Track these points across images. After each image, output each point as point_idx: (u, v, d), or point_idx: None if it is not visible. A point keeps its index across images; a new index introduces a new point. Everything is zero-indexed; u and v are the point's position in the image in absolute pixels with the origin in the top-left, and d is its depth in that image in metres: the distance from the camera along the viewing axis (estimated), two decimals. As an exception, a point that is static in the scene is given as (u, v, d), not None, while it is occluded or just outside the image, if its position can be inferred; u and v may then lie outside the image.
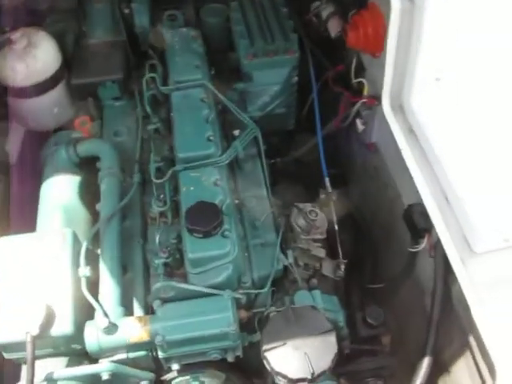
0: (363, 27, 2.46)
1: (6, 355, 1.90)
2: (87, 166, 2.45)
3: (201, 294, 1.95)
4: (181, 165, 2.21)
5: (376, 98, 2.55)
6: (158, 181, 2.23)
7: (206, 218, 1.97)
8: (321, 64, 2.98)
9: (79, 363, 1.95)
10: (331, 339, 1.86)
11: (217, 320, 1.89)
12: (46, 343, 1.86)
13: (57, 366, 1.92)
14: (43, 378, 1.84)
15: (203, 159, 2.22)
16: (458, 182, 2.10)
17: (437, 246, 2.18)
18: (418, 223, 2.25)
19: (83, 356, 1.95)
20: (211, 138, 2.27)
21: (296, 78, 2.74)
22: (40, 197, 2.31)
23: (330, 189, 2.48)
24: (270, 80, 2.69)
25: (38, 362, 1.89)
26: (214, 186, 2.13)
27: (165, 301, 1.95)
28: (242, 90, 2.70)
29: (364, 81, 2.64)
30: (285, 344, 1.82)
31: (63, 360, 1.95)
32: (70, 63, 2.62)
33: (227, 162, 2.27)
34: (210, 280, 1.98)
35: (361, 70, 2.73)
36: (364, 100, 2.60)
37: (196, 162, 2.21)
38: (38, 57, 2.40)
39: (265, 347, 1.84)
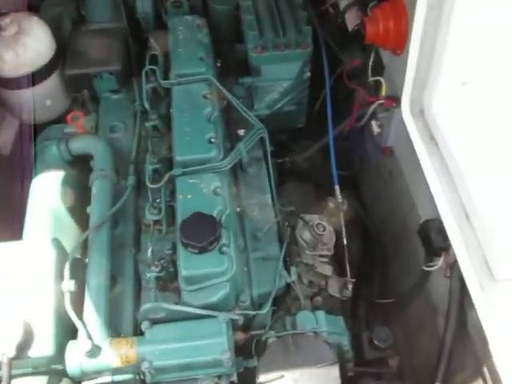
0: (384, 21, 2.25)
1: (-17, 374, 1.76)
2: (81, 164, 2.28)
3: (195, 315, 1.79)
4: (179, 169, 2.03)
5: (394, 100, 2.35)
6: (153, 186, 2.06)
7: (202, 232, 1.80)
8: (335, 57, 2.78)
9: (59, 381, 1.81)
10: (334, 373, 1.69)
11: (210, 346, 1.73)
12: (24, 363, 1.71)
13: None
14: (21, 401, 1.70)
15: (203, 163, 2.04)
16: (482, 198, 1.91)
17: (453, 267, 2.00)
18: (434, 241, 2.07)
19: (64, 374, 1.80)
20: (212, 139, 2.08)
21: (308, 74, 2.55)
22: (29, 198, 2.15)
23: (339, 198, 2.28)
24: (279, 75, 2.50)
25: (16, 382, 1.77)
26: (214, 194, 1.95)
27: (155, 322, 1.79)
28: (249, 85, 2.51)
29: (382, 80, 2.43)
30: (282, 376, 1.66)
31: (43, 379, 1.80)
32: (65, 52, 2.42)
33: (229, 166, 2.09)
34: (204, 299, 1.81)
35: (379, 68, 2.53)
36: (381, 101, 2.40)
37: (195, 166, 2.04)
38: (28, 45, 2.23)
39: (261, 379, 1.68)
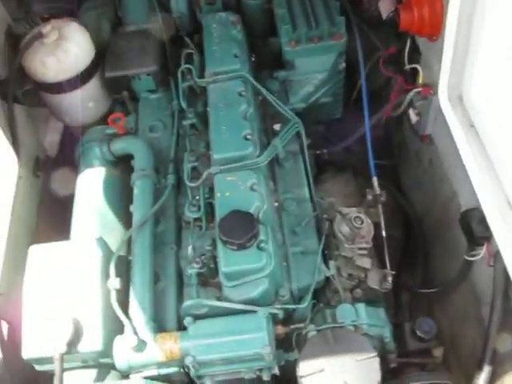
0: (418, 8, 2.21)
1: (38, 367, 1.86)
2: (124, 164, 2.35)
3: (235, 310, 1.83)
4: (216, 167, 2.07)
5: (432, 87, 2.31)
6: (192, 184, 2.11)
7: (240, 229, 1.83)
8: (370, 45, 2.74)
9: (107, 374, 1.90)
10: (374, 366, 1.70)
11: (251, 340, 1.77)
12: (74, 357, 1.81)
13: (86, 379, 1.87)
14: (73, 393, 1.80)
15: (240, 160, 2.07)
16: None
17: (497, 256, 1.97)
18: (475, 231, 2.05)
19: (111, 367, 1.89)
20: (249, 136, 2.10)
21: (343, 65, 2.52)
22: (75, 199, 2.24)
23: (377, 190, 2.27)
24: (314, 68, 2.48)
25: (68, 374, 1.87)
26: (251, 190, 1.98)
27: (197, 317, 1.84)
28: (283, 79, 2.51)
29: (419, 67, 2.39)
30: (323, 370, 1.69)
31: (93, 372, 1.90)
32: (104, 54, 2.49)
33: (266, 162, 2.11)
34: (244, 294, 1.85)
35: (415, 54, 2.48)
36: (418, 89, 2.36)
37: (232, 163, 2.07)
38: (69, 50, 2.30)
39: (301, 372, 1.71)
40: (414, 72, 2.45)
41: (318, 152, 2.74)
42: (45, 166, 2.50)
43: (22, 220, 2.20)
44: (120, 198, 2.26)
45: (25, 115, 2.45)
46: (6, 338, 2.01)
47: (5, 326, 2.02)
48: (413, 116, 2.44)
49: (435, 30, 2.17)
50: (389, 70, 2.63)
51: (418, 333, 2.13)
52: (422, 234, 2.82)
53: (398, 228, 3.16)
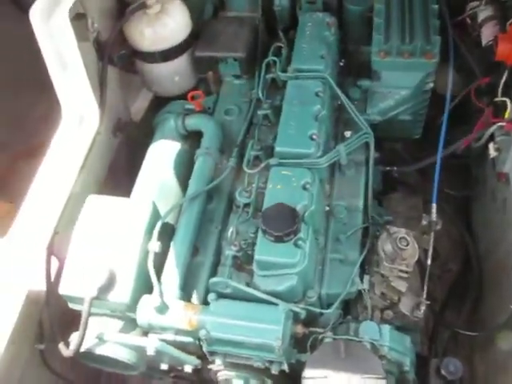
0: (518, 40, 2.11)
1: (70, 305, 2.01)
2: (195, 139, 2.45)
3: (259, 298, 1.87)
4: (276, 159, 2.11)
5: (517, 124, 2.21)
6: (250, 171, 2.17)
7: (281, 223, 1.86)
8: (471, 71, 2.65)
9: (133, 329, 2.00)
10: (379, 387, 1.67)
11: (265, 330, 1.80)
12: (104, 304, 1.93)
13: (111, 327, 1.99)
14: (95, 335, 1.92)
15: (301, 157, 2.10)
16: None
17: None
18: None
19: (137, 324, 1.99)
20: (314, 136, 2.12)
21: (431, 85, 2.45)
22: (143, 164, 2.37)
23: (434, 216, 2.20)
24: (399, 83, 2.43)
25: (96, 319, 2.00)
26: (303, 189, 2.00)
27: (221, 296, 1.90)
28: (366, 89, 2.49)
29: (508, 101, 2.28)
30: (326, 377, 1.68)
31: (119, 323, 2.01)
32: (199, 34, 2.60)
33: (325, 165, 2.12)
34: (272, 286, 1.88)
35: (510, 88, 2.37)
36: (502, 124, 2.25)
37: (293, 159, 2.10)
38: (167, 24, 2.43)
39: (305, 374, 1.72)
40: (505, 106, 2.34)
41: (388, 169, 2.69)
42: (125, 129, 2.65)
43: (91, 171, 2.35)
44: (184, 171, 2.36)
45: (117, 78, 2.61)
46: (54, 273, 2.17)
47: (55, 263, 2.18)
48: (491, 151, 2.34)
49: (532, 65, 2.08)
50: (480, 100, 2.54)
51: (443, 371, 2.06)
52: (479, 275, 2.70)
53: (456, 262, 3.05)
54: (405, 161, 2.87)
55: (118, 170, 2.59)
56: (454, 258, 3.06)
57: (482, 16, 2.43)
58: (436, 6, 2.47)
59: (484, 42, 2.38)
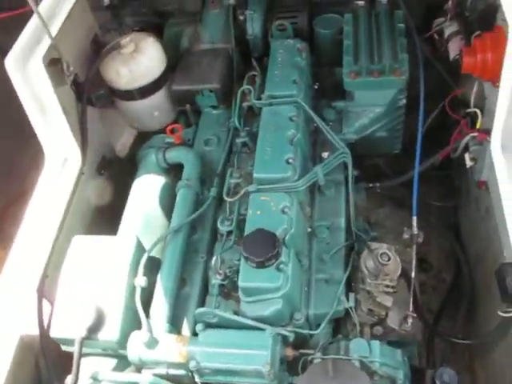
0: (482, 53, 2.18)
1: (63, 347, 2.03)
2: (177, 172, 2.50)
3: (247, 324, 1.89)
4: (254, 185, 2.15)
5: (489, 133, 2.24)
6: (229, 199, 2.20)
7: (261, 248, 1.89)
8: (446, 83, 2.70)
9: (126, 366, 2.02)
10: (368, 405, 1.68)
11: (253, 356, 1.81)
12: (94, 344, 1.95)
13: (105, 366, 2.01)
14: (90, 375, 1.94)
15: (278, 182, 2.13)
16: None
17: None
18: (509, 287, 1.96)
19: (131, 361, 2.01)
20: (290, 160, 2.16)
21: (403, 101, 2.50)
22: (128, 199, 2.42)
23: (415, 230, 2.23)
24: (372, 101, 2.49)
25: (89, 359, 2.02)
26: (281, 213, 2.03)
27: (210, 325, 1.92)
28: (341, 110, 2.54)
29: (478, 111, 2.33)
30: (315, 398, 1.69)
31: (112, 361, 2.03)
32: (176, 68, 2.67)
33: (303, 187, 2.16)
34: (258, 312, 1.91)
35: (482, 99, 2.42)
36: (474, 134, 2.30)
37: (271, 184, 2.14)
38: (141, 62, 2.49)
39: (295, 396, 1.73)
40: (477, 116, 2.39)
41: (371, 185, 2.73)
42: (110, 166, 2.70)
43: (77, 211, 2.39)
44: (168, 204, 2.40)
45: (99, 117, 2.68)
46: (46, 317, 2.20)
47: (48, 306, 2.21)
48: (467, 161, 2.38)
49: (497, 76, 2.12)
50: (455, 112, 2.59)
51: (437, 382, 2.06)
52: (471, 283, 2.71)
53: (449, 272, 3.07)
54: (388, 176, 2.92)
55: (106, 207, 2.63)
56: (446, 269, 3.08)
57: (447, 31, 2.49)
58: (402, 25, 2.54)
59: (451, 56, 2.44)
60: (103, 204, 2.63)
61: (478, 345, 2.55)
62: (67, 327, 1.92)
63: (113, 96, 2.59)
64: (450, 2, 2.49)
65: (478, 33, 2.28)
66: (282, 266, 1.90)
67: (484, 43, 2.16)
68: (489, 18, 2.29)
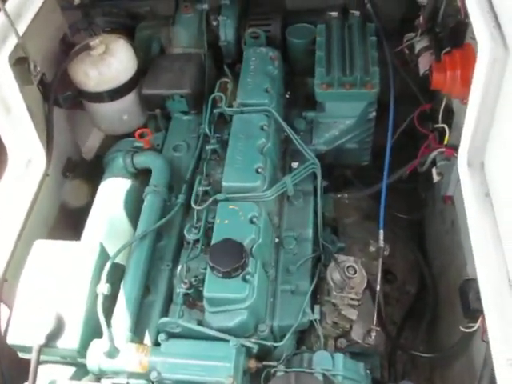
0: (451, 69, 2.20)
1: (20, 354, 1.96)
2: (144, 178, 2.46)
3: (210, 335, 1.87)
4: (223, 194, 2.13)
5: (456, 149, 2.27)
6: (197, 207, 2.18)
7: (228, 258, 1.87)
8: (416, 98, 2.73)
9: (85, 375, 1.97)
10: (330, 420, 1.68)
11: (216, 368, 1.79)
12: (53, 351, 1.89)
13: (63, 375, 1.95)
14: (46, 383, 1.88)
15: (247, 191, 2.12)
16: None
17: (490, 332, 1.90)
18: (471, 303, 1.98)
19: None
20: (260, 170, 2.15)
21: (373, 114, 2.52)
22: (93, 204, 2.36)
23: (382, 243, 2.24)
24: (343, 113, 2.51)
25: (47, 367, 1.96)
26: (250, 223, 2.02)
27: (172, 335, 1.89)
28: (311, 120, 2.55)
29: (446, 127, 2.36)
30: (275, 412, 1.68)
31: (71, 369, 1.98)
32: (146, 72, 2.63)
33: (272, 197, 2.15)
34: (222, 322, 1.89)
35: (450, 114, 2.46)
36: (442, 149, 2.33)
37: (240, 193, 2.12)
38: (111, 65, 2.45)
39: (257, 409, 1.71)
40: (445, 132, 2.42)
41: (339, 196, 2.74)
42: (75, 168, 2.64)
43: (40, 214, 2.33)
44: (135, 209, 2.35)
45: (66, 118, 2.62)
46: (4, 322, 2.13)
47: (6, 311, 2.14)
48: (434, 175, 2.40)
49: (466, 93, 2.15)
50: (424, 127, 2.62)
51: (397, 395, 2.08)
52: (434, 296, 2.75)
53: (413, 284, 3.10)
54: (356, 187, 2.94)
55: (72, 211, 2.57)
56: (411, 281, 3.12)
57: (418, 47, 2.51)
58: (374, 38, 2.56)
59: (421, 71, 2.46)
60: (68, 207, 2.57)
61: (439, 358, 2.58)
62: (25, 334, 1.86)
63: (81, 98, 2.54)
64: (421, 18, 2.51)
65: (447, 49, 2.32)
66: (248, 276, 1.89)
67: (453, 60, 2.19)
68: (459, 35, 2.32)
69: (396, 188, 2.85)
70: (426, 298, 2.82)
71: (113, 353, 1.85)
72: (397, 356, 2.64)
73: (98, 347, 1.86)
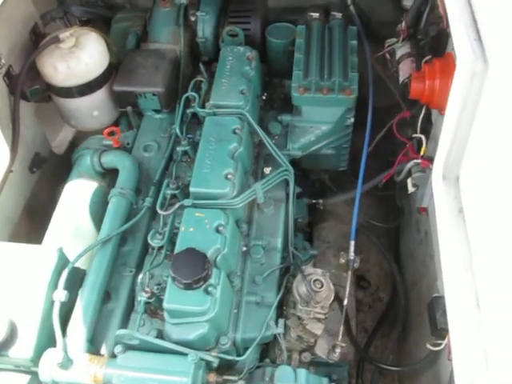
0: (430, 79, 2.13)
1: (-29, 362, 1.89)
2: (113, 177, 2.38)
3: (169, 348, 1.81)
4: (190, 200, 2.06)
5: (432, 161, 2.22)
6: (163, 212, 2.11)
7: (190, 269, 1.81)
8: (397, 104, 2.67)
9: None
10: None
11: (173, 382, 1.73)
12: (6, 360, 1.82)
13: (17, 383, 1.88)
14: (-2, 393, 1.82)
15: (215, 198, 2.05)
16: (501, 291, 1.75)
17: (457, 352, 1.86)
18: (438, 322, 1.94)
19: (43, 379, 1.89)
20: (229, 176, 2.08)
21: (351, 120, 2.45)
22: (57, 204, 2.28)
23: (352, 255, 2.19)
24: (320, 118, 2.43)
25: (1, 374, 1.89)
26: (215, 231, 1.95)
27: (130, 347, 1.83)
28: (287, 124, 2.47)
29: (423, 138, 2.31)
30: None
31: (25, 377, 1.91)
32: (118, 67, 2.53)
33: (241, 205, 2.08)
34: (182, 335, 1.83)
35: (428, 124, 2.40)
36: (418, 160, 2.27)
37: (208, 199, 2.05)
38: (81, 59, 2.34)
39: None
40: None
41: (314, 201, 2.69)
42: (43, 164, 2.55)
43: (2, 212, 2.25)
44: (101, 211, 2.26)
45: (31, 112, 2.52)
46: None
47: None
48: (409, 186, 2.35)
49: (444, 104, 2.09)
50: (402, 135, 2.56)
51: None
52: (405, 305, 2.71)
53: (386, 291, 3.07)
54: (332, 191, 2.89)
55: (38, 209, 2.48)
56: (384, 287, 3.09)
57: (399, 53, 2.44)
58: (355, 42, 2.49)
59: (401, 78, 2.39)
60: (34, 206, 2.48)
61: (403, 372, 2.55)
62: (-25, 341, 1.79)
63: (49, 92, 2.44)
64: (403, 23, 2.44)
65: (428, 57, 2.25)
66: (210, 288, 1.82)
67: (433, 70, 2.13)
68: (440, 44, 2.26)
69: (373, 195, 2.81)
70: (398, 306, 2.79)
71: (66, 364, 1.78)
72: (365, 365, 2.62)
73: (50, 357, 1.80)
